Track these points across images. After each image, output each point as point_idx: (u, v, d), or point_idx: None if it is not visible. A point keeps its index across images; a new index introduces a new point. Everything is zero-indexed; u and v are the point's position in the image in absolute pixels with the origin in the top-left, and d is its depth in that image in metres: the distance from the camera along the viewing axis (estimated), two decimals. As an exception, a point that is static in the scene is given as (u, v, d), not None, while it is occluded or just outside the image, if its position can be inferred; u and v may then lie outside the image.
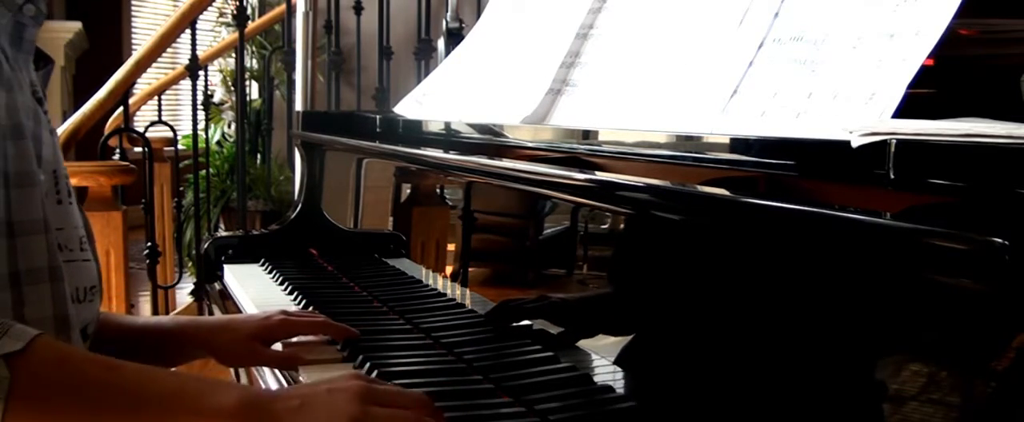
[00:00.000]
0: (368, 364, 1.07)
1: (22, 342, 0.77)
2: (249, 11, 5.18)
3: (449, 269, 1.42)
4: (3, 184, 0.88)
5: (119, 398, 0.81)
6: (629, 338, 0.98)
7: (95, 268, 1.02)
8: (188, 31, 3.23)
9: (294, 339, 1.20)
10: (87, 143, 3.13)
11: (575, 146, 1.04)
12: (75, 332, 0.94)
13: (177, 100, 6.48)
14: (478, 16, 1.68)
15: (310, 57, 2.55)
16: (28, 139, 0.91)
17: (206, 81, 3.99)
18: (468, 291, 1.34)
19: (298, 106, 2.57)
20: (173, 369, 1.03)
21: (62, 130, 2.91)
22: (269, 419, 0.80)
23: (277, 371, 1.12)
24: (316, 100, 2.63)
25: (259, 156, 4.99)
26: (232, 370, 1.37)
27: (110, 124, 3.70)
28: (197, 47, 3.28)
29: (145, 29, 6.91)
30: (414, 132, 1.46)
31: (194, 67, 3.27)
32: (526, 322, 1.16)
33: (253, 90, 5.53)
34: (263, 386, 1.13)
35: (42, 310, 0.89)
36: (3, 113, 0.89)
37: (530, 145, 1.12)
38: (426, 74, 2.28)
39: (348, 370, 1.06)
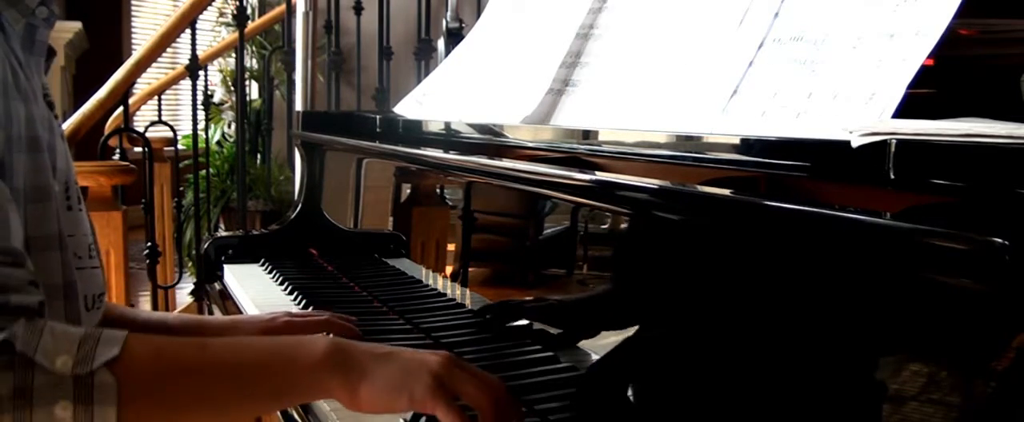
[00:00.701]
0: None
1: (117, 347, 0.79)
2: (249, 11, 5.18)
3: (449, 269, 1.42)
4: (21, 200, 0.87)
5: (220, 372, 0.84)
6: (629, 338, 0.98)
7: (102, 274, 1.01)
8: (188, 31, 3.23)
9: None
10: (87, 143, 3.13)
11: (575, 146, 1.04)
12: None
13: (177, 100, 6.48)
14: (478, 16, 1.68)
15: (310, 57, 2.55)
16: (45, 152, 0.90)
17: (206, 81, 3.99)
18: (468, 291, 1.34)
19: (298, 106, 2.57)
20: (256, 337, 1.05)
21: (62, 130, 2.90)
22: (354, 363, 0.84)
23: None
24: (316, 100, 2.63)
25: (259, 156, 4.99)
26: None
27: (110, 124, 3.70)
28: (197, 47, 3.28)
29: (145, 29, 6.90)
30: (414, 132, 1.46)
31: (194, 67, 3.27)
32: (525, 322, 1.17)
33: (253, 90, 5.53)
34: None
35: None
36: (22, 127, 0.88)
37: (530, 145, 1.12)
38: (426, 74, 2.28)
39: None
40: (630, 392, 0.95)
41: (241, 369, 0.85)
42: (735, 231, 0.80)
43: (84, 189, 2.82)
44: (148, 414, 0.81)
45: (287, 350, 0.87)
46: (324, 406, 1.00)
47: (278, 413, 1.11)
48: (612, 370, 0.98)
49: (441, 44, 2.03)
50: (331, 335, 1.12)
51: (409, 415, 0.93)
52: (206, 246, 1.81)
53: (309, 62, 2.55)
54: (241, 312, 1.45)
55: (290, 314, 1.18)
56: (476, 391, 0.83)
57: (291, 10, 3.18)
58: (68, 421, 0.76)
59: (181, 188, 4.37)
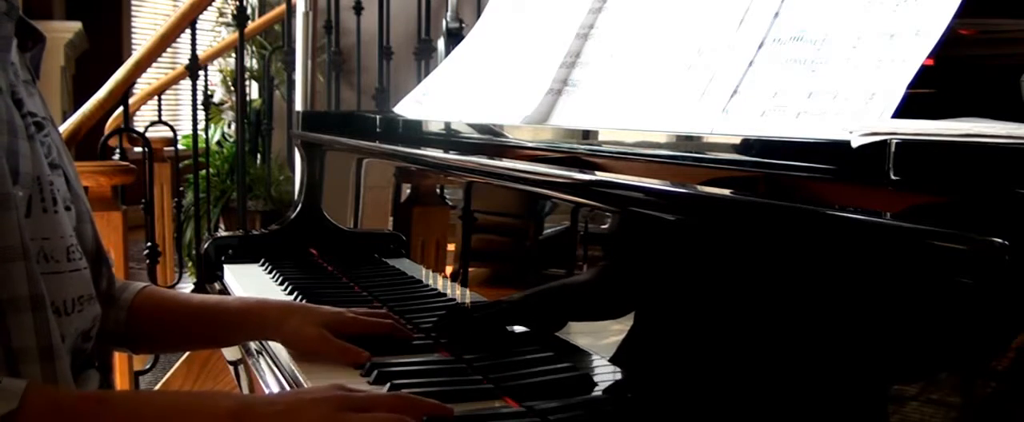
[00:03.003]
0: (368, 364, 1.07)
1: (16, 401, 0.78)
2: (249, 11, 5.18)
3: (449, 269, 1.42)
4: None
5: None
6: (629, 338, 0.98)
7: (87, 274, 0.97)
8: (188, 31, 3.23)
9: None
10: (87, 143, 3.13)
11: (575, 146, 1.04)
12: (63, 361, 0.90)
13: (177, 100, 6.48)
14: (478, 16, 1.68)
15: (310, 57, 2.55)
16: (1, 158, 0.86)
17: (206, 81, 3.99)
18: (468, 291, 1.34)
19: (298, 106, 2.57)
20: (157, 390, 1.05)
21: (62, 130, 2.90)
22: (258, 420, 0.83)
23: (279, 373, 1.12)
24: (316, 100, 2.63)
25: (259, 156, 4.99)
26: (232, 369, 1.37)
27: (110, 124, 3.71)
28: (197, 47, 3.28)
29: (145, 29, 6.90)
30: (414, 132, 1.46)
31: (194, 67, 3.27)
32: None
33: (253, 90, 5.53)
34: (264, 388, 1.13)
35: (26, 340, 0.86)
36: None
37: (530, 145, 1.12)
38: (426, 74, 2.28)
39: (352, 374, 1.07)
40: (630, 392, 0.95)
41: None
42: (735, 231, 0.80)
43: (84, 189, 2.83)
44: None
45: (187, 407, 0.86)
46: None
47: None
48: (613, 369, 0.98)
49: (441, 44, 2.03)
50: (241, 392, 1.13)
51: None
52: (206, 246, 1.81)
53: (309, 62, 2.55)
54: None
55: (355, 311, 1.19)
56: (374, 403, 0.86)
57: (291, 10, 3.18)
58: None
59: (181, 188, 4.37)
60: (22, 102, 0.94)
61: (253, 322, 1.18)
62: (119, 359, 2.80)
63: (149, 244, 3.22)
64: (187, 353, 3.13)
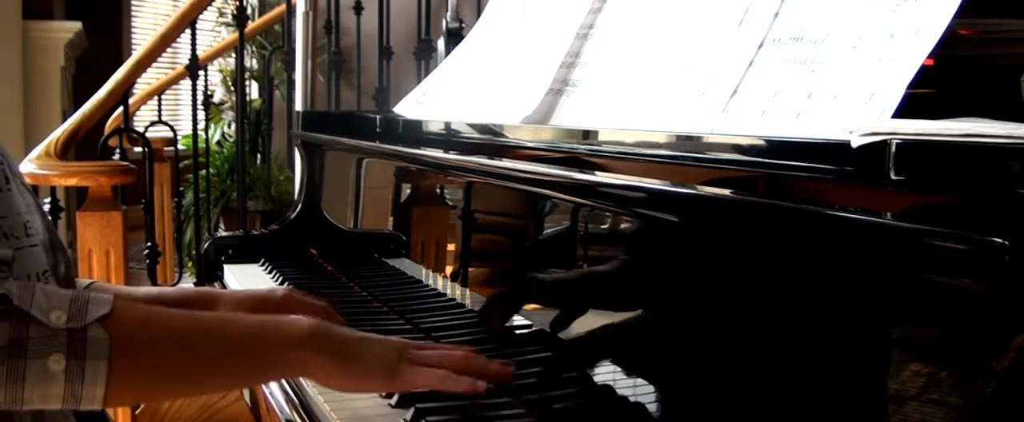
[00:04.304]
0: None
1: (108, 305, 0.81)
2: (249, 11, 5.18)
3: (449, 269, 1.42)
4: None
5: (206, 340, 0.87)
6: (629, 338, 0.98)
7: (42, 251, 0.98)
8: (188, 31, 3.23)
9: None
10: (87, 143, 3.13)
11: (575, 146, 1.04)
12: None
13: (177, 100, 6.48)
14: (478, 16, 1.68)
15: (310, 57, 2.55)
16: None
17: (206, 81, 3.99)
18: (468, 291, 1.34)
19: (298, 106, 2.57)
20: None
21: (62, 130, 2.90)
22: (338, 344, 0.89)
23: (283, 380, 1.12)
24: (316, 100, 2.63)
25: (259, 156, 4.99)
26: None
27: (110, 124, 3.70)
28: (197, 47, 3.28)
29: (145, 29, 6.90)
30: (414, 132, 1.46)
31: (194, 67, 3.27)
32: (527, 322, 1.17)
33: (253, 90, 5.53)
34: (267, 395, 1.13)
35: None
36: None
37: (530, 145, 1.12)
38: (426, 74, 2.28)
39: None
40: (631, 394, 0.95)
41: (227, 340, 0.88)
42: (735, 231, 0.80)
43: (84, 189, 2.83)
44: (136, 374, 0.83)
45: (271, 326, 0.89)
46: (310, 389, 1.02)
47: (265, 389, 1.11)
48: (615, 369, 0.98)
49: (441, 44, 2.03)
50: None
51: (410, 414, 0.93)
52: (206, 246, 1.81)
53: (309, 62, 2.55)
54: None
55: (291, 291, 1.19)
56: (441, 358, 0.90)
57: (291, 10, 3.18)
58: (60, 374, 0.78)
59: (181, 188, 4.37)
60: None
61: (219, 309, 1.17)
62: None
63: (149, 244, 3.22)
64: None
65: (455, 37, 1.85)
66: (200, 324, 0.89)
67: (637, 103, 1.09)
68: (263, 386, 1.15)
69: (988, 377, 0.57)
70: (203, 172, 3.75)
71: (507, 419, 0.94)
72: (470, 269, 1.36)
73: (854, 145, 0.65)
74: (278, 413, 1.07)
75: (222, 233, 2.19)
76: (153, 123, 3.70)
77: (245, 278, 1.65)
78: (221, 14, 6.06)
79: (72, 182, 2.83)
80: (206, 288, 1.28)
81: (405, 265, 1.58)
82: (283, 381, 1.10)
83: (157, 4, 7.24)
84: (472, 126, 1.27)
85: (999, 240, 0.55)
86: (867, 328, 0.68)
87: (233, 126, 5.43)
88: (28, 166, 2.68)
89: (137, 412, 2.69)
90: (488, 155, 1.20)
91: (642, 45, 1.15)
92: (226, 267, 1.74)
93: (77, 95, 4.85)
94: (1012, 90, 0.95)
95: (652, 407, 0.91)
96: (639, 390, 0.95)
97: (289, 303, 1.15)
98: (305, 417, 1.02)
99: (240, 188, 3.47)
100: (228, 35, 5.44)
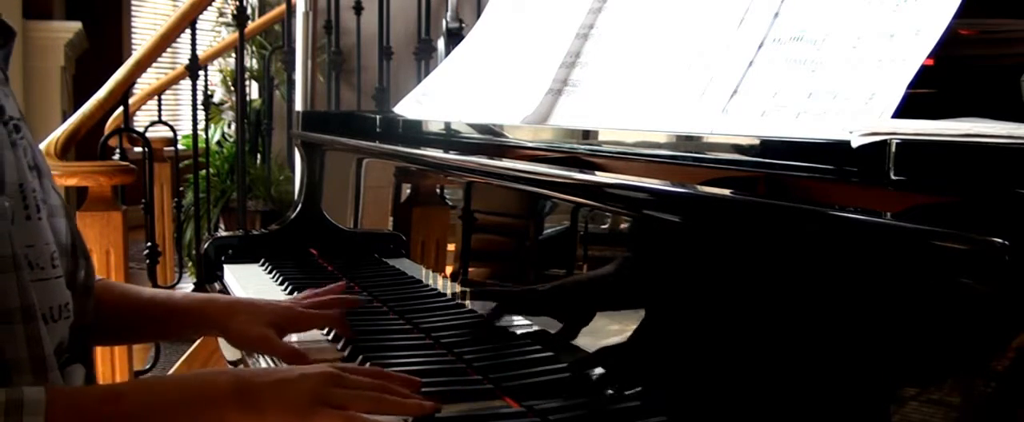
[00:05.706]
0: (367, 364, 1.07)
1: (41, 412, 0.81)
2: (249, 11, 5.18)
3: (449, 269, 1.42)
4: None
5: (134, 418, 0.87)
6: (629, 338, 0.98)
7: (64, 282, 0.97)
8: (188, 31, 3.23)
9: (294, 337, 1.20)
10: (87, 143, 3.13)
11: (575, 146, 1.04)
12: (54, 372, 0.90)
13: (177, 100, 6.48)
14: (478, 16, 1.68)
15: (310, 57, 2.55)
16: None
17: (206, 81, 3.99)
18: (468, 291, 1.34)
19: (298, 106, 2.58)
20: (168, 375, 1.07)
21: (62, 130, 2.90)
22: (255, 396, 0.88)
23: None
24: (316, 100, 2.64)
25: (259, 156, 4.98)
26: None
27: (110, 124, 3.71)
28: (197, 47, 3.28)
29: (145, 29, 6.90)
30: (414, 132, 1.46)
31: (194, 67, 3.27)
32: (527, 322, 1.17)
33: (253, 90, 5.53)
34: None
35: (19, 351, 0.86)
36: None
37: (530, 145, 1.12)
38: (426, 74, 2.28)
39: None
40: (630, 392, 0.95)
41: (152, 413, 0.88)
42: (735, 231, 0.80)
43: (84, 189, 2.83)
44: None
45: (194, 394, 0.90)
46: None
47: None
48: (615, 369, 0.98)
49: (441, 44, 2.03)
50: (232, 368, 1.15)
51: None
52: (206, 246, 1.81)
53: (309, 62, 2.55)
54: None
55: (302, 304, 1.19)
56: (358, 399, 0.88)
57: (291, 10, 3.18)
58: None
59: (181, 188, 4.37)
60: (3, 109, 0.93)
61: (197, 319, 1.18)
62: (119, 359, 2.80)
63: (149, 244, 3.22)
64: (187, 353, 3.14)
65: (455, 37, 1.85)
66: (127, 402, 0.88)
67: (637, 103, 1.09)
68: None
69: (988, 377, 0.57)
70: (203, 172, 3.75)
71: (507, 419, 0.94)
72: (470, 269, 1.36)
73: (854, 145, 0.65)
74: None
75: (222, 233, 2.19)
76: (153, 123, 3.71)
77: (245, 278, 1.65)
78: (221, 14, 6.06)
79: (72, 182, 2.83)
80: (222, 298, 1.27)
81: (405, 265, 1.58)
82: None
83: (157, 4, 7.24)
84: (472, 126, 1.27)
85: (999, 240, 0.55)
86: (867, 328, 0.68)
87: (233, 126, 5.43)
88: (28, 166, 2.68)
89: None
90: (488, 155, 1.20)
91: (642, 45, 1.15)
92: (226, 267, 1.74)
93: (77, 95, 4.85)
94: (1012, 90, 0.95)
95: (652, 407, 0.91)
96: (639, 390, 0.95)
97: (307, 319, 1.16)
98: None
99: (240, 188, 3.47)
100: (228, 35, 5.45)
